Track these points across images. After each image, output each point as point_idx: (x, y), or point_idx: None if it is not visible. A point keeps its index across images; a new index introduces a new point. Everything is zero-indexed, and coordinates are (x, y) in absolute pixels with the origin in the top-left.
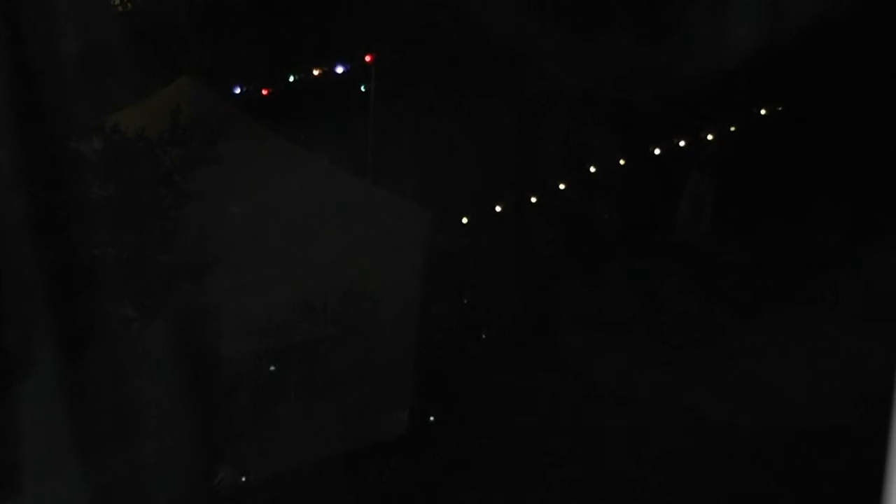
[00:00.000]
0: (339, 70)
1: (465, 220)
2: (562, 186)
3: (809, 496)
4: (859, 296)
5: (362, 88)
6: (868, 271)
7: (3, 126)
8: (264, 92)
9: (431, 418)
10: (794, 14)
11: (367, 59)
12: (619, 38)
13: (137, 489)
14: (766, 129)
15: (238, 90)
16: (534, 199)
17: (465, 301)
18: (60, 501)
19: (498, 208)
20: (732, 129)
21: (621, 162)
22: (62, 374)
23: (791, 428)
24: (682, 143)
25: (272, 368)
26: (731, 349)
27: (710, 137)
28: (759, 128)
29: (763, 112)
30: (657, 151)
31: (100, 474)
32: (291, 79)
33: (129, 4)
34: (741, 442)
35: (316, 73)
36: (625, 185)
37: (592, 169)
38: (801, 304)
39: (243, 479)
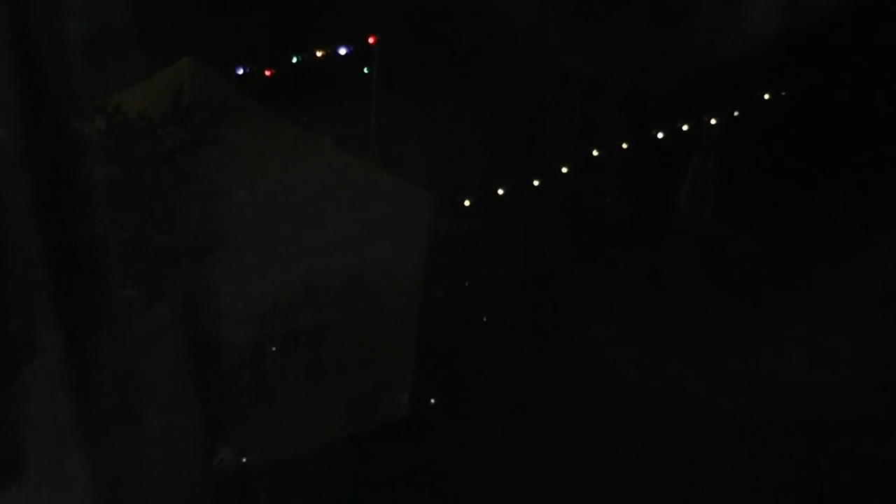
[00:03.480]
0: (342, 52)
1: (467, 204)
2: (565, 171)
3: (817, 489)
4: (865, 281)
5: (365, 70)
6: (874, 257)
7: (6, 107)
8: (267, 73)
9: (432, 401)
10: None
11: (371, 40)
12: (624, 25)
13: (139, 468)
14: (771, 115)
15: (240, 71)
16: (537, 184)
17: (467, 285)
18: (64, 480)
19: (501, 192)
20: (736, 114)
21: (625, 147)
22: (65, 353)
23: (798, 419)
24: (685, 129)
25: (273, 350)
26: (734, 336)
27: (713, 123)
28: (763, 113)
29: (767, 97)
30: (661, 136)
31: (102, 454)
32: (294, 60)
33: None
34: (746, 432)
35: (319, 54)
36: (629, 170)
37: (596, 153)
38: (806, 291)
39: (244, 460)
